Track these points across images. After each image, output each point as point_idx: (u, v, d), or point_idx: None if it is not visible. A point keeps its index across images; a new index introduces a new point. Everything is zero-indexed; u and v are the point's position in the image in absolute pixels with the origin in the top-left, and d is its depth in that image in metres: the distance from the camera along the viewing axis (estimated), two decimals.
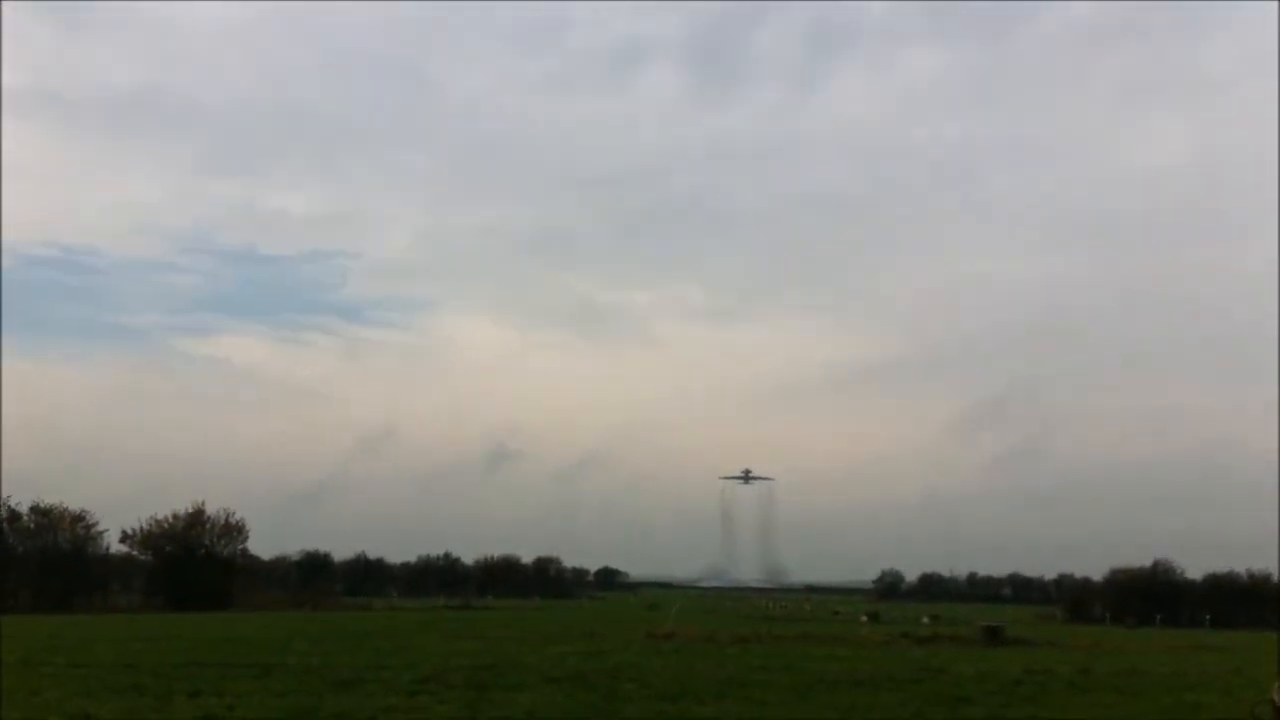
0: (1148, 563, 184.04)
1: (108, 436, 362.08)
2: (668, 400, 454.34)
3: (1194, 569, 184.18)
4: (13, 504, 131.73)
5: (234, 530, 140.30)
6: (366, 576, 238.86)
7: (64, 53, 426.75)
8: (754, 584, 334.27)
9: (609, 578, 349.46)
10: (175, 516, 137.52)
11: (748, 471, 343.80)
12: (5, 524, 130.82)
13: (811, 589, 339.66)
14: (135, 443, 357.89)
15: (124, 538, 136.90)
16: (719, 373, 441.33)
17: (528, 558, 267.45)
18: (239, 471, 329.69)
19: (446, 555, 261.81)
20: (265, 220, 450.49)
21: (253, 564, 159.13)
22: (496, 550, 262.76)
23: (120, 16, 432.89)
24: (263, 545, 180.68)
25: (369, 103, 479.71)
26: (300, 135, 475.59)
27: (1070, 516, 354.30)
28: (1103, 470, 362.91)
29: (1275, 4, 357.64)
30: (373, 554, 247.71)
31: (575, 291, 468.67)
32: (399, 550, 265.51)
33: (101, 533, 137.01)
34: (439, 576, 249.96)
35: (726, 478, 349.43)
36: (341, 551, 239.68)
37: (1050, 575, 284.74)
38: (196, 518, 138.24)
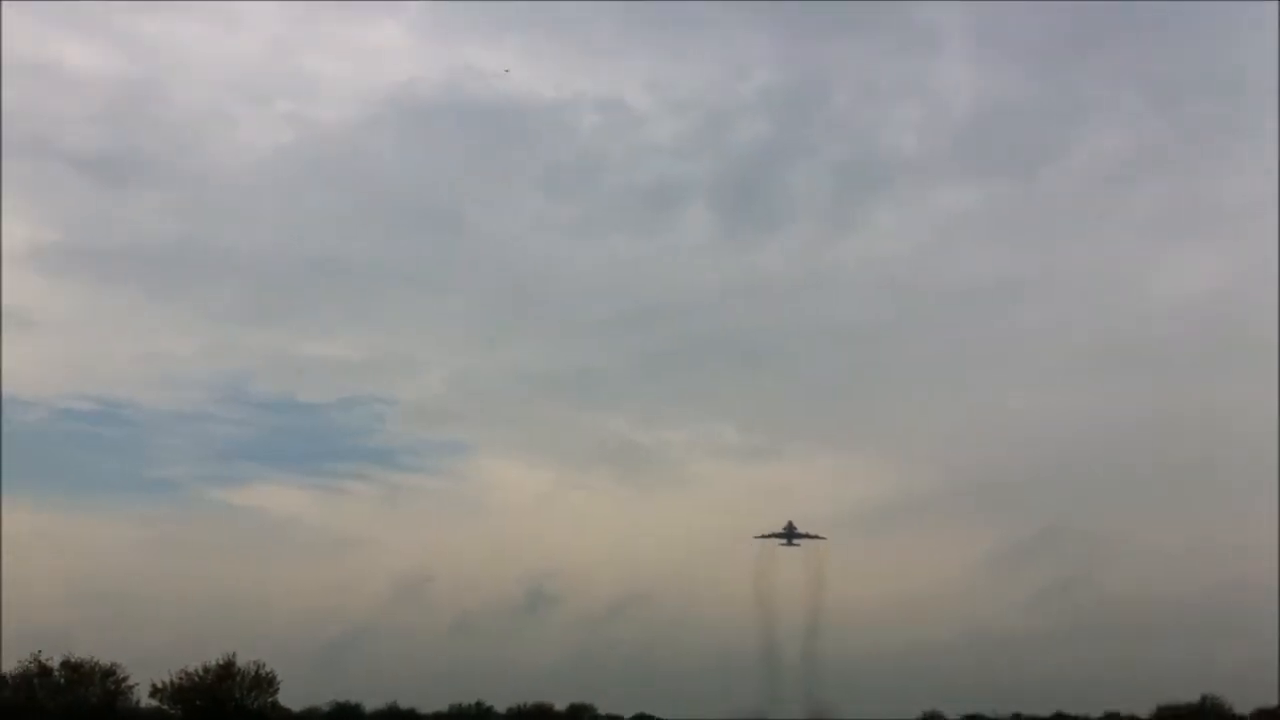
0: (1196, 698, 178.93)
1: (141, 588, 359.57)
2: (702, 540, 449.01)
3: (1243, 704, 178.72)
4: (43, 658, 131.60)
5: (264, 682, 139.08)
6: None
7: (101, 207, 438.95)
8: None
9: None
10: (205, 669, 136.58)
11: (791, 527, 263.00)
12: (35, 679, 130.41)
13: None
14: (168, 594, 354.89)
15: (154, 691, 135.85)
16: (753, 511, 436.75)
17: (561, 705, 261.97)
18: (272, 621, 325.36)
19: (479, 704, 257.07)
20: (301, 368, 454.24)
21: (283, 716, 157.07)
22: (530, 698, 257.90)
23: (159, 172, 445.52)
24: (294, 696, 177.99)
25: (403, 248, 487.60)
26: (335, 282, 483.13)
27: (1116, 651, 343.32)
28: (1149, 603, 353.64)
29: None
30: (405, 703, 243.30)
31: (610, 432, 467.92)
32: (432, 699, 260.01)
33: (132, 687, 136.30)
34: None
35: (764, 536, 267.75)
36: (374, 701, 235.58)
37: (1096, 714, 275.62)
38: (226, 670, 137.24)
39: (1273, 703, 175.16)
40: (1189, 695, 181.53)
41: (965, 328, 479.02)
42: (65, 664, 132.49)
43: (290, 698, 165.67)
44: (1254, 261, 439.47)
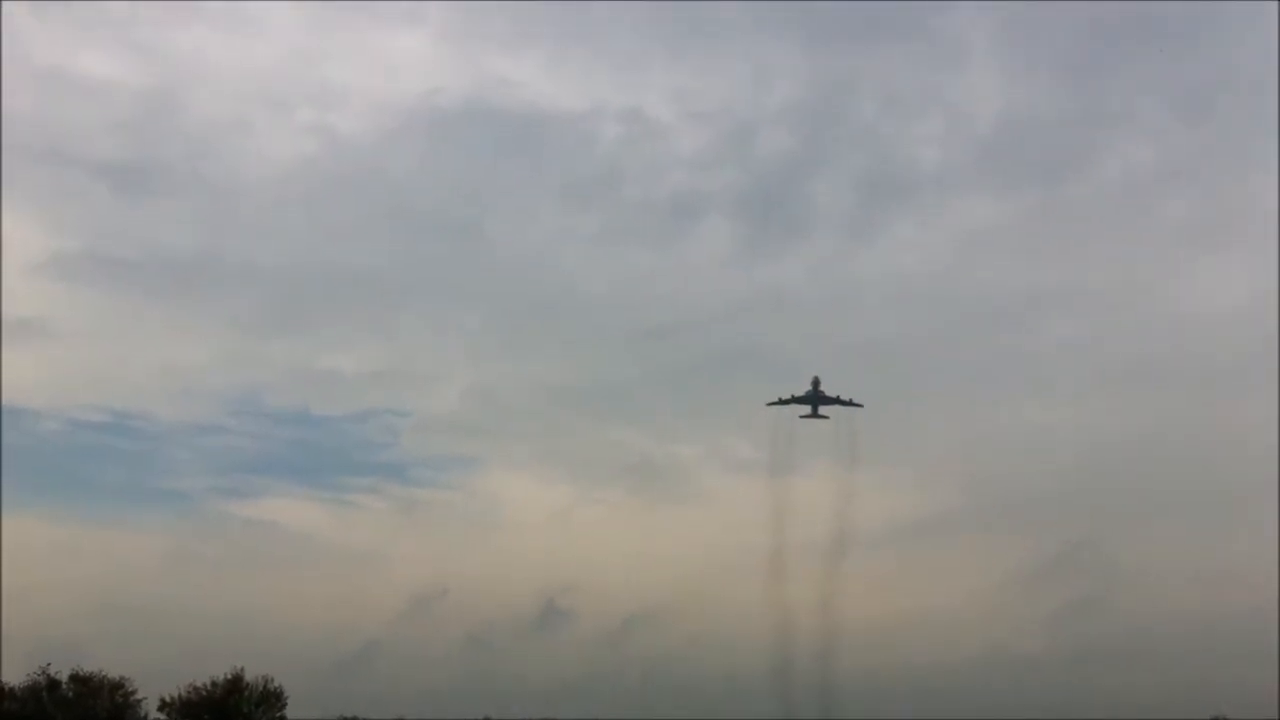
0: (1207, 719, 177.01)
1: (152, 601, 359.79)
2: (718, 557, 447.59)
3: None
4: (52, 672, 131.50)
5: (272, 697, 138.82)
6: None
7: (120, 216, 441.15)
8: None
9: None
10: (214, 683, 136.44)
11: (817, 387, 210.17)
12: (44, 692, 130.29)
13: None
14: (179, 607, 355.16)
15: (162, 705, 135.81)
16: (770, 528, 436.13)
17: None
18: (284, 635, 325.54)
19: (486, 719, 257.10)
20: (316, 381, 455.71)
21: None
22: (538, 713, 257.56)
23: (177, 181, 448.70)
24: (304, 711, 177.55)
25: (421, 260, 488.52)
26: (351, 294, 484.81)
27: (1130, 673, 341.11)
28: (1166, 624, 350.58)
29: None
30: (413, 717, 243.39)
31: (625, 446, 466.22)
32: (441, 715, 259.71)
33: (140, 700, 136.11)
34: None
35: (779, 402, 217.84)
36: (381, 716, 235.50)
37: None
38: (235, 684, 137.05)
39: None
40: (1199, 716, 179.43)
41: (987, 343, 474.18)
42: (74, 677, 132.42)
43: (299, 712, 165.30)
44: None
